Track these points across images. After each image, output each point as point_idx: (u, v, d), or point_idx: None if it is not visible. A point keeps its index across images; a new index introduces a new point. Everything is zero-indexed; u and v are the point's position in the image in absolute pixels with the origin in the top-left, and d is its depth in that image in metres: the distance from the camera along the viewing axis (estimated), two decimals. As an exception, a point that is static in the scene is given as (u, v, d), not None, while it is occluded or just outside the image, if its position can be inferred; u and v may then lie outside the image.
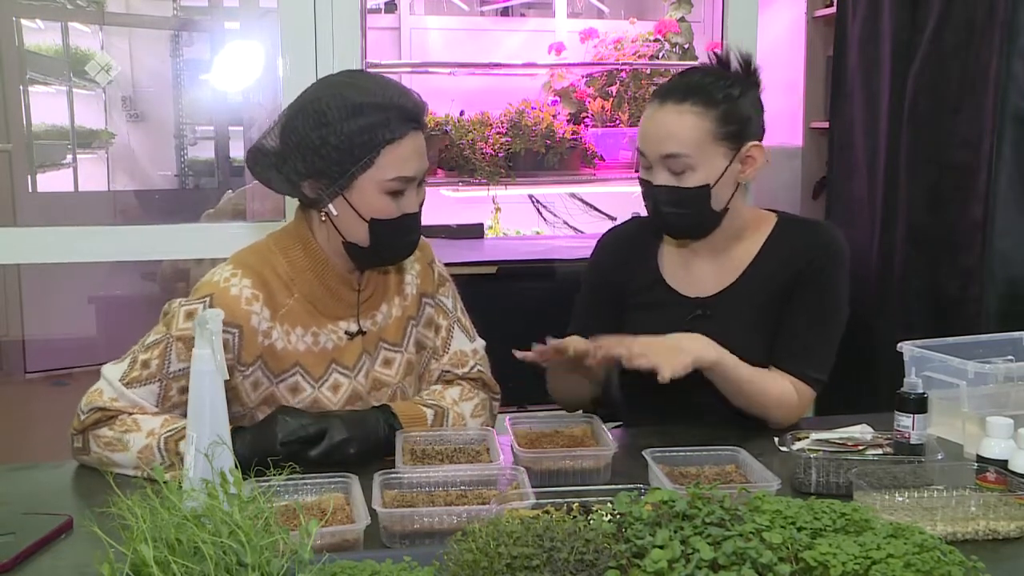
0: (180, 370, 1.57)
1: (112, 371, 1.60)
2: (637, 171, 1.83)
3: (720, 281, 1.82)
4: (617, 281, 1.90)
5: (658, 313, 1.84)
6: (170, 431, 1.53)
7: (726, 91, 1.70)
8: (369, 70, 1.68)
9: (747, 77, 1.76)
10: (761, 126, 1.76)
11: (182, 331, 1.57)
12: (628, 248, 1.92)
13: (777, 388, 1.73)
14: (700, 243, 1.83)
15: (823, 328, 1.78)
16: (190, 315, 1.58)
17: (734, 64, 1.76)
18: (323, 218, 1.62)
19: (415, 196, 1.62)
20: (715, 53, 1.79)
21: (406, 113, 1.57)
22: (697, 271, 1.84)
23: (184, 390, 1.56)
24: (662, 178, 1.71)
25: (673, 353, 1.57)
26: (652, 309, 1.85)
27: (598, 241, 2.00)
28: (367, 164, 1.56)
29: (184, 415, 1.55)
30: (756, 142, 1.73)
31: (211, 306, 1.58)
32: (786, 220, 1.85)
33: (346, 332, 1.68)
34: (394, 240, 1.63)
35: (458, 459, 1.52)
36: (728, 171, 1.71)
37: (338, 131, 1.54)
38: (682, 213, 1.72)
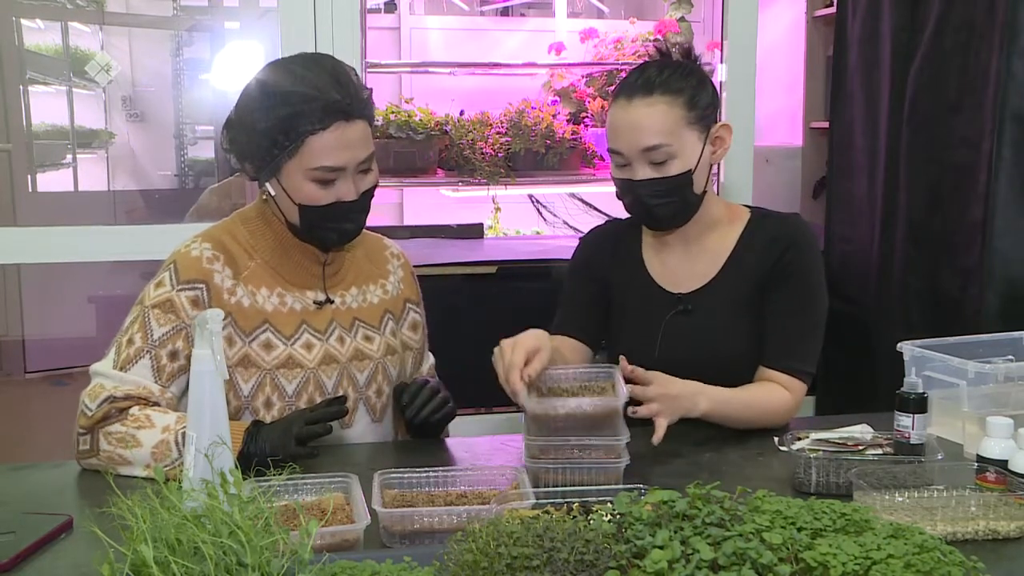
0: (165, 334, 1.60)
1: (102, 366, 1.61)
2: None
3: (701, 276, 1.84)
4: (606, 278, 1.92)
5: (643, 309, 1.86)
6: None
7: (685, 79, 1.74)
8: (330, 56, 1.67)
9: (693, 65, 1.80)
10: (720, 109, 1.82)
11: (154, 299, 1.62)
12: (613, 246, 1.94)
13: (769, 403, 1.74)
14: (676, 235, 1.85)
15: (805, 321, 1.79)
16: (159, 284, 1.63)
17: (675, 56, 1.80)
18: (264, 197, 1.67)
19: (351, 184, 1.62)
20: (655, 47, 1.82)
21: (334, 104, 1.56)
22: (678, 267, 1.86)
23: (172, 355, 1.60)
24: (644, 172, 1.73)
25: (675, 405, 1.58)
26: (638, 305, 1.87)
27: (581, 240, 2.02)
28: (292, 152, 1.58)
29: (183, 385, 1.58)
30: (723, 123, 1.79)
31: (176, 270, 1.63)
32: (759, 214, 1.88)
33: (314, 302, 1.71)
34: (325, 225, 1.64)
35: (583, 394, 1.53)
36: (703, 154, 1.75)
37: (265, 117, 1.57)
38: (668, 202, 1.75)
